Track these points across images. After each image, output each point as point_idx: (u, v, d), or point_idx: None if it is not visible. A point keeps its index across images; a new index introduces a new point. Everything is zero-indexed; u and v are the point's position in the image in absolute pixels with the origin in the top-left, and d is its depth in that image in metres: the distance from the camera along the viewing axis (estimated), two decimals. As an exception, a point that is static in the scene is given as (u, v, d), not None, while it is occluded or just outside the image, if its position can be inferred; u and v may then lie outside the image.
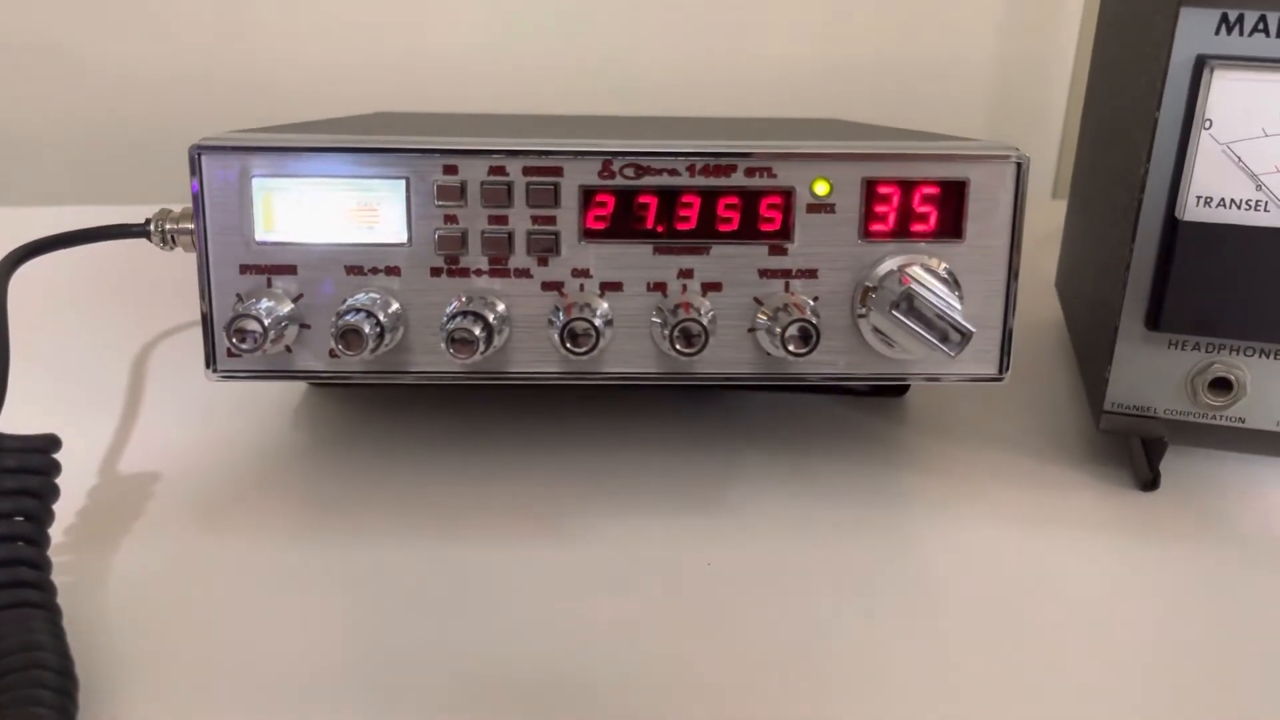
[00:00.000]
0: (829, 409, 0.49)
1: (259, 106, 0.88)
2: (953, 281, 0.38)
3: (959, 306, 0.36)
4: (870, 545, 0.39)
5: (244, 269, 0.38)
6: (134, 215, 0.45)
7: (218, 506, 0.41)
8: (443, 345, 0.36)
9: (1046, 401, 0.51)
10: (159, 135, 0.90)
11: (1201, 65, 0.39)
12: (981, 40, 0.92)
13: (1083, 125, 0.61)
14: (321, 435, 0.46)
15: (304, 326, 0.38)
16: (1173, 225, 0.40)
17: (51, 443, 0.35)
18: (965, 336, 0.35)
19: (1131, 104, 0.44)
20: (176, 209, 0.44)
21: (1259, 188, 0.39)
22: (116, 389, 0.50)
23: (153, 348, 0.54)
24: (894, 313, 0.36)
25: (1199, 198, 0.40)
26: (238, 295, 0.38)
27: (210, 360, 0.38)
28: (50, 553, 0.34)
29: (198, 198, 0.37)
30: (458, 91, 0.90)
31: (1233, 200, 0.40)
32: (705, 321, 0.36)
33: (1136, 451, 0.44)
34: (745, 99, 0.91)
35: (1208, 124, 0.39)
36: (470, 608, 0.35)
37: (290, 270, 0.38)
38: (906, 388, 0.50)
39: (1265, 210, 0.39)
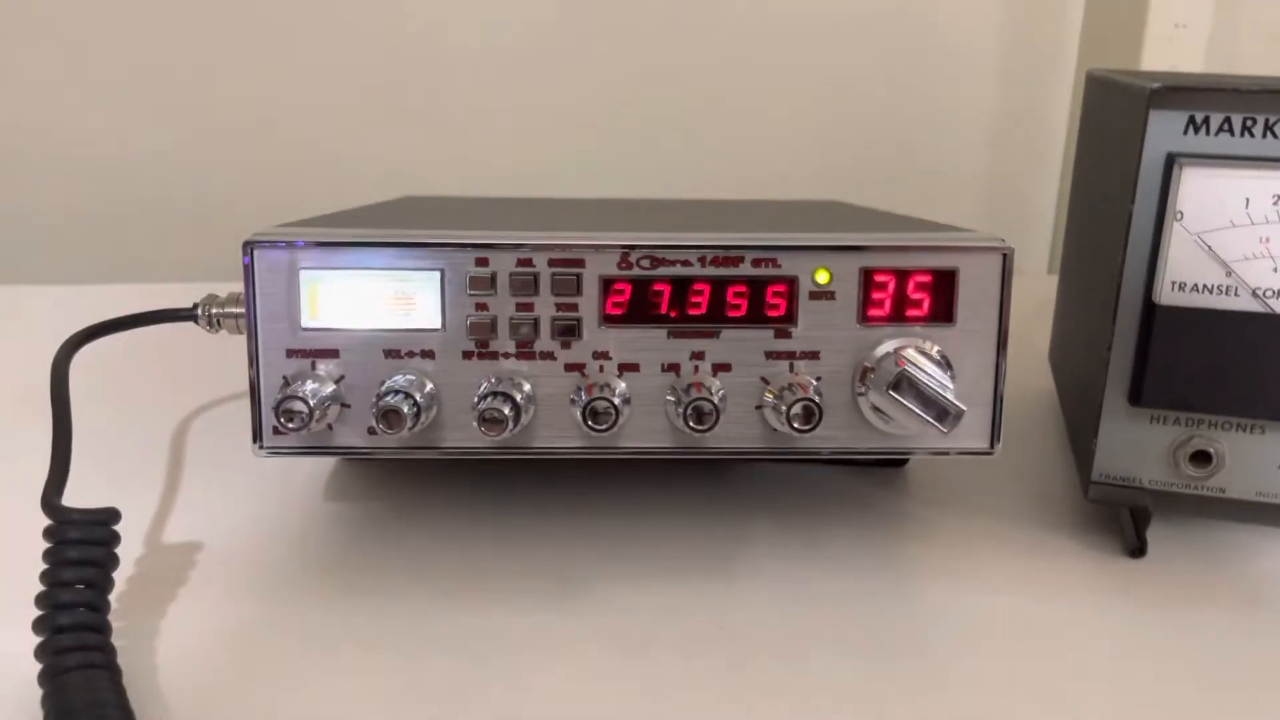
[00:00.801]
0: (834, 480, 0.52)
1: (275, 175, 0.92)
2: (945, 363, 0.40)
3: (951, 386, 0.39)
4: (873, 611, 0.42)
5: (290, 353, 0.41)
6: (174, 294, 0.48)
7: (257, 574, 0.44)
8: (474, 424, 0.39)
9: (1039, 471, 0.54)
10: (187, 212, 0.94)
11: (1172, 162, 0.42)
12: (976, 113, 0.96)
13: (1070, 206, 0.64)
14: (352, 506, 0.49)
15: (345, 406, 0.41)
16: (1150, 309, 0.43)
17: (112, 516, 0.38)
18: (957, 415, 0.38)
19: (1109, 195, 0.48)
20: (222, 294, 0.47)
21: (1229, 274, 0.42)
22: (161, 464, 0.53)
23: (192, 424, 0.57)
24: (891, 393, 0.39)
25: (1174, 283, 0.43)
26: (284, 378, 0.41)
27: (257, 436, 0.41)
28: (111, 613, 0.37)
29: (249, 286, 0.40)
30: (476, 170, 0.94)
31: (1205, 286, 0.43)
32: (716, 400, 0.39)
33: (1124, 520, 0.47)
34: (748, 168, 0.95)
35: (1179, 215, 0.42)
36: (495, 668, 0.38)
37: (333, 354, 0.41)
38: (907, 459, 0.53)
39: (1236, 295, 0.42)
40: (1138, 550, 0.46)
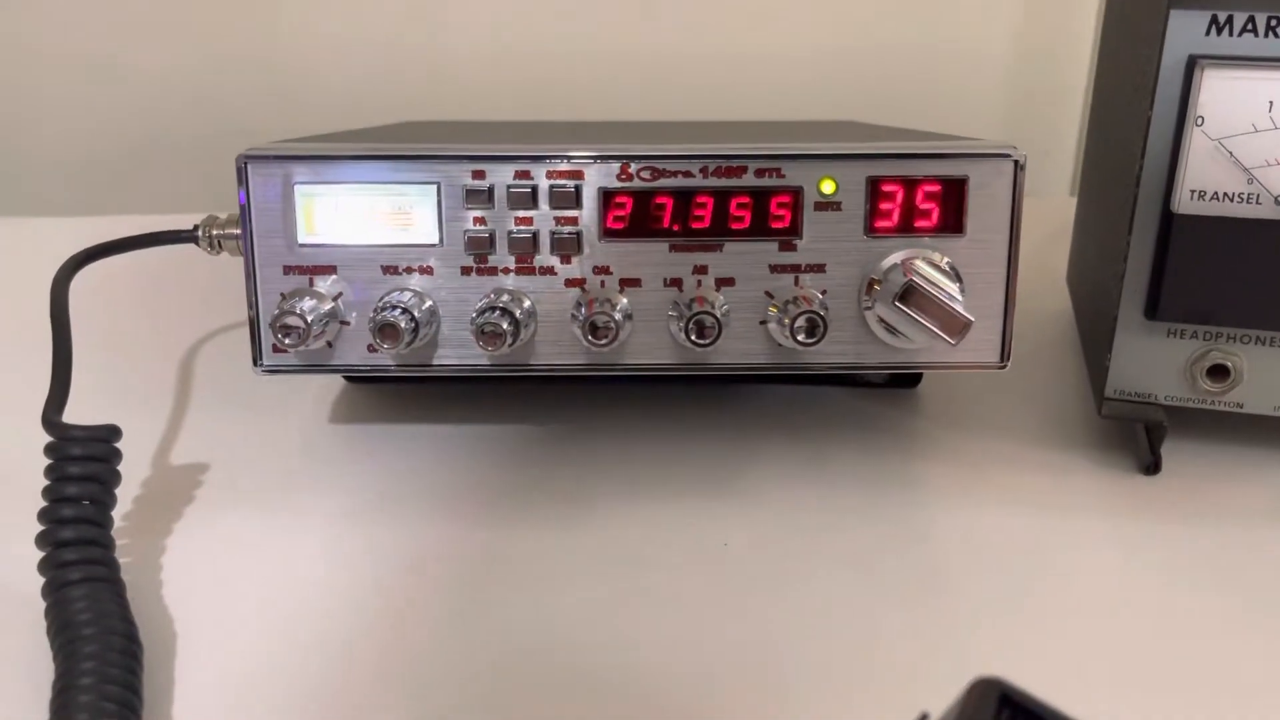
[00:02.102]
0: (844, 400, 0.51)
1: (284, 115, 0.91)
2: (954, 274, 0.40)
3: (960, 298, 0.38)
4: (880, 528, 0.41)
5: (287, 269, 0.40)
6: (179, 223, 0.48)
7: (262, 493, 0.44)
8: (473, 338, 0.38)
9: (1054, 391, 0.53)
10: (187, 145, 0.93)
11: (1193, 65, 0.40)
12: (999, 35, 0.93)
13: (1090, 118, 0.63)
14: (357, 427, 0.49)
15: (343, 323, 0.40)
16: (1168, 218, 0.42)
17: (113, 432, 0.38)
18: (966, 325, 0.37)
19: (1128, 101, 0.46)
20: (222, 215, 0.47)
21: (1250, 181, 0.41)
22: (166, 385, 0.53)
23: (199, 347, 0.57)
24: (898, 304, 0.38)
25: (1193, 191, 0.42)
26: (281, 295, 0.40)
27: (256, 355, 0.41)
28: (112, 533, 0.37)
29: (244, 204, 0.40)
30: (476, 97, 0.93)
31: (1225, 194, 0.41)
32: (719, 314, 0.39)
33: (1138, 437, 0.46)
34: (762, 93, 0.93)
35: (1199, 121, 0.41)
36: (501, 587, 0.38)
37: (330, 270, 0.40)
38: (919, 379, 0.52)
39: (1257, 203, 0.41)
40: (1152, 467, 0.45)
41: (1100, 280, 0.49)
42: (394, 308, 0.38)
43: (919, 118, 0.93)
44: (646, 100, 0.93)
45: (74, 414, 0.39)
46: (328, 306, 0.40)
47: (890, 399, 0.52)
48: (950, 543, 0.41)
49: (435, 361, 0.41)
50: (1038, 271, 0.72)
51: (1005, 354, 0.41)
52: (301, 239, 0.40)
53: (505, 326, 0.38)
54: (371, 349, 0.41)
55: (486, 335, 0.38)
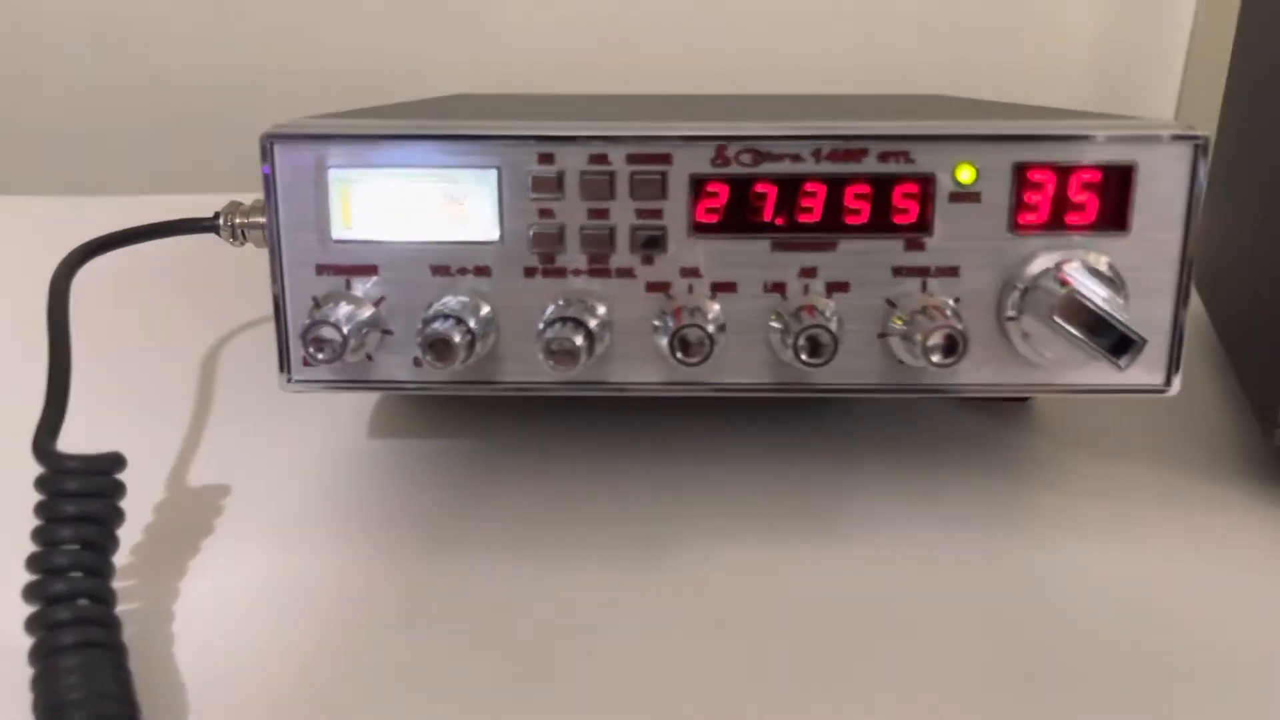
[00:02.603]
0: (948, 413, 0.45)
1: (325, 94, 0.86)
2: (1117, 280, 0.33)
3: (1125, 310, 0.31)
4: (1000, 579, 0.35)
5: (320, 269, 0.34)
6: (203, 207, 0.42)
7: (291, 523, 0.38)
8: (540, 355, 0.32)
9: (1194, 407, 0.46)
10: (222, 123, 0.88)
11: None
12: None
13: (1229, 93, 0.55)
14: (400, 444, 0.43)
15: (386, 332, 0.34)
16: (1369, 213, 0.35)
17: (115, 463, 0.32)
18: (1140, 345, 0.31)
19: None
20: (247, 201, 0.41)
21: None
22: (185, 394, 0.47)
23: (221, 350, 0.51)
24: (1056, 319, 0.31)
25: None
26: (314, 299, 0.34)
27: (284, 368, 0.35)
28: (115, 577, 0.31)
29: (269, 191, 0.33)
30: (534, 74, 0.86)
31: None
32: (834, 328, 0.32)
33: (1312, 468, 0.39)
34: (828, 61, 0.86)
35: None
36: (559, 643, 0.32)
37: (371, 271, 0.34)
38: (1037, 392, 0.45)
39: None
40: (1328, 505, 0.38)
41: (1264, 290, 0.41)
42: (446, 317, 0.32)
43: (998, 72, 0.86)
44: (702, 78, 0.87)
45: (76, 427, 0.33)
46: (367, 313, 0.34)
47: (1001, 411, 0.45)
48: (1082, 597, 0.34)
49: (493, 379, 0.35)
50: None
51: (1171, 377, 0.34)
52: (337, 234, 0.34)
53: (579, 343, 0.32)
54: (418, 363, 0.34)
55: (557, 355, 0.32)
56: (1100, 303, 0.31)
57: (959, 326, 0.32)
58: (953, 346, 0.32)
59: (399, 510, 0.39)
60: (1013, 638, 0.32)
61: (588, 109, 0.43)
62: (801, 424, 0.44)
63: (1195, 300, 0.56)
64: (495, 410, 0.45)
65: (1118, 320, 0.31)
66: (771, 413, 0.44)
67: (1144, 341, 0.31)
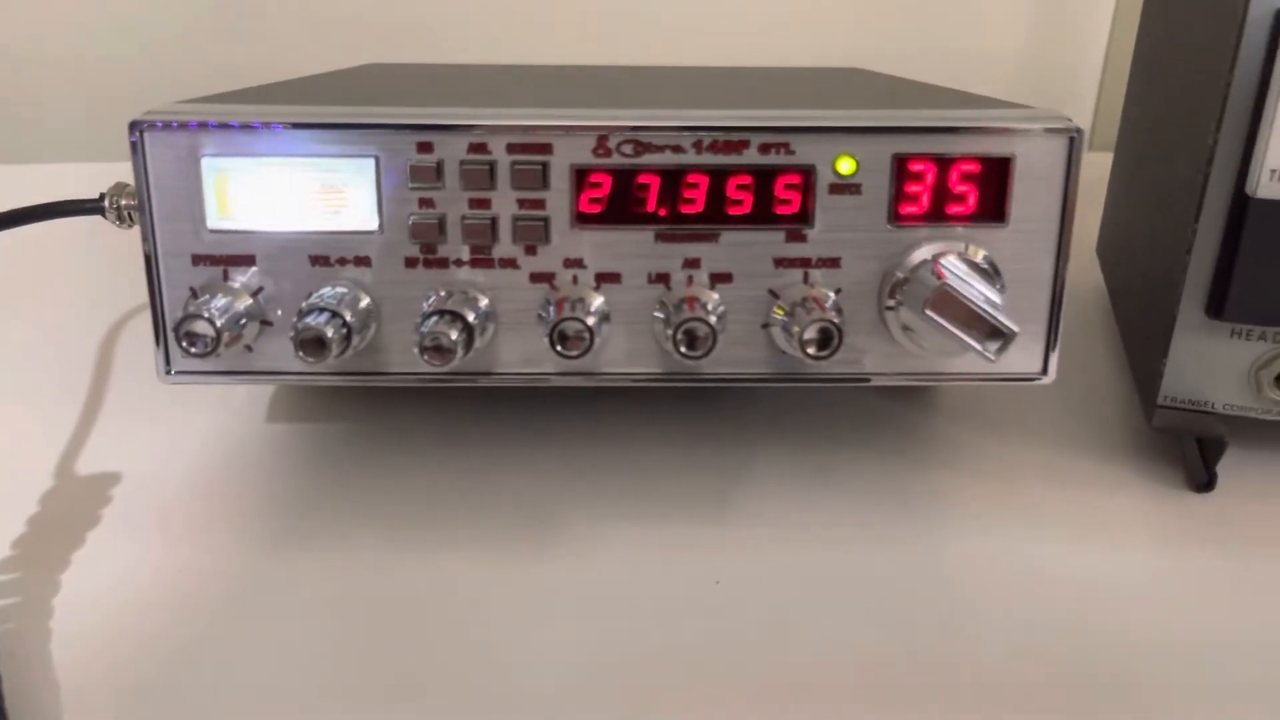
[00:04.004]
0: (851, 397, 0.45)
1: (252, 57, 0.83)
2: (993, 271, 0.33)
3: (1000, 302, 0.32)
4: (896, 557, 0.35)
5: (197, 260, 0.34)
6: (83, 177, 0.41)
7: (182, 511, 0.37)
8: (416, 352, 0.32)
9: (1089, 386, 0.47)
10: (148, 83, 0.85)
11: (1282, 21, 0.34)
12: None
13: (1132, 76, 0.56)
14: (297, 428, 0.42)
15: (265, 323, 0.34)
16: (1243, 203, 0.36)
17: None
18: (1009, 338, 0.31)
19: (1195, 63, 0.39)
20: (132, 183, 0.40)
21: (1344, 161, 0.34)
22: (75, 380, 0.46)
23: (116, 334, 0.50)
24: (928, 312, 0.31)
25: (1274, 171, 0.35)
26: (191, 290, 0.34)
27: (164, 362, 0.34)
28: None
29: (141, 180, 0.33)
30: (456, 33, 0.85)
31: (1313, 175, 0.35)
32: (713, 321, 0.32)
33: (1190, 450, 0.40)
34: (759, 30, 0.86)
35: (1287, 88, 0.34)
36: (449, 628, 0.32)
37: (248, 261, 0.34)
38: (935, 373, 0.46)
39: (1350, 186, 0.35)
40: (1206, 484, 0.39)
41: (1151, 269, 0.42)
42: (320, 311, 0.32)
43: (926, 58, 0.86)
44: (636, 49, 0.86)
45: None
46: (244, 304, 0.33)
47: (903, 395, 0.45)
48: (973, 575, 0.35)
49: (377, 370, 0.35)
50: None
51: (1048, 365, 0.35)
52: (212, 223, 0.33)
53: (454, 337, 0.31)
54: (300, 354, 0.34)
55: (432, 350, 0.31)
56: (971, 296, 0.31)
57: (835, 320, 0.32)
58: (827, 340, 0.32)
59: (289, 496, 0.38)
60: (900, 611, 0.33)
61: (478, 88, 0.42)
62: (701, 408, 0.44)
63: (1102, 286, 0.57)
64: (391, 395, 0.44)
65: (987, 313, 0.31)
66: (670, 396, 0.44)
67: (1014, 333, 0.31)
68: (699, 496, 0.38)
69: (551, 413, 0.43)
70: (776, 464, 0.40)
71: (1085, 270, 0.58)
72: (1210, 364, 0.38)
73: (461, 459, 0.40)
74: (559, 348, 0.32)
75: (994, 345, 0.31)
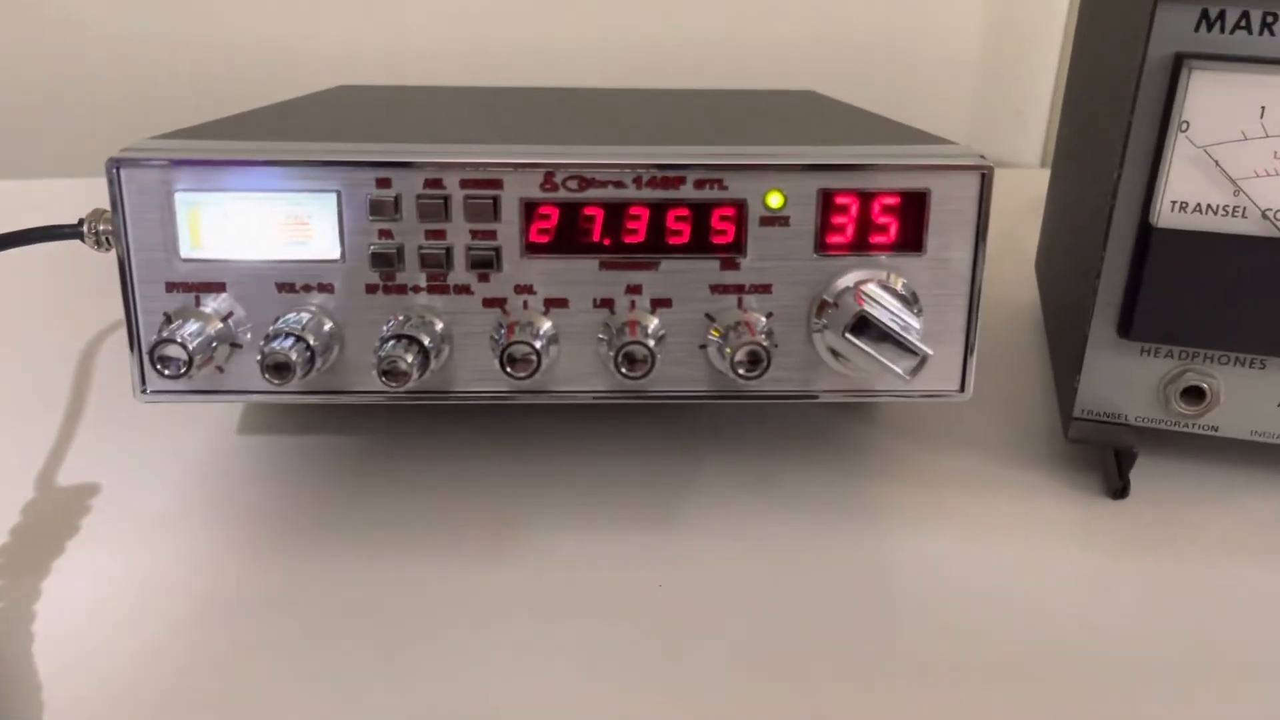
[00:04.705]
0: (792, 410, 0.48)
1: (230, 78, 0.85)
2: (911, 298, 0.36)
3: (917, 326, 0.35)
4: (832, 560, 0.38)
5: (170, 287, 0.36)
6: (64, 195, 0.43)
7: (160, 522, 0.40)
8: (375, 374, 0.34)
9: (1019, 398, 0.50)
10: (125, 102, 0.87)
11: (1179, 64, 0.37)
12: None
13: (1065, 102, 0.59)
14: (270, 442, 0.45)
15: (235, 346, 0.36)
16: (1146, 232, 0.38)
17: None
18: (922, 360, 0.34)
19: (1106, 101, 0.42)
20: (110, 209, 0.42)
21: (1236, 193, 0.37)
22: (56, 394, 0.48)
23: (95, 351, 0.53)
24: (848, 335, 0.34)
25: (1174, 203, 0.38)
26: (165, 315, 0.36)
27: (140, 382, 0.37)
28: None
29: (118, 213, 0.35)
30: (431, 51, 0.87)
31: (1209, 206, 0.38)
32: (651, 344, 0.35)
33: (1107, 459, 0.43)
34: (719, 52, 0.88)
35: (1184, 126, 0.37)
36: (411, 636, 0.34)
37: (219, 288, 0.36)
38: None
39: (1243, 216, 0.38)
40: (1120, 491, 0.42)
41: (1071, 290, 0.45)
42: (286, 336, 0.34)
43: (887, 73, 0.89)
44: (604, 71, 0.88)
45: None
46: (216, 328, 0.36)
47: (844, 409, 0.48)
48: (904, 577, 0.37)
49: (340, 388, 0.37)
50: (1005, 253, 0.69)
51: (965, 383, 0.38)
52: (185, 253, 0.36)
53: (410, 360, 0.34)
54: (267, 375, 0.36)
55: (388, 374, 0.34)
56: (887, 321, 0.34)
57: (764, 343, 0.35)
58: (756, 361, 0.34)
59: (262, 507, 0.41)
60: (832, 614, 0.35)
61: (439, 120, 0.45)
62: (650, 422, 0.47)
63: (1034, 284, 0.60)
64: (355, 411, 0.47)
65: (902, 336, 0.34)
66: (618, 412, 0.47)
67: (926, 355, 0.34)
68: (649, 506, 0.41)
69: (506, 427, 0.46)
70: (722, 475, 0.43)
71: (1025, 286, 0.61)
72: (1122, 379, 0.41)
73: (421, 471, 0.43)
74: (509, 369, 0.35)
75: (909, 366, 0.34)
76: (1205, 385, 0.40)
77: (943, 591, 0.37)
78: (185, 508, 0.41)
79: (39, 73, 0.87)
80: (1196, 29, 0.36)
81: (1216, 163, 0.37)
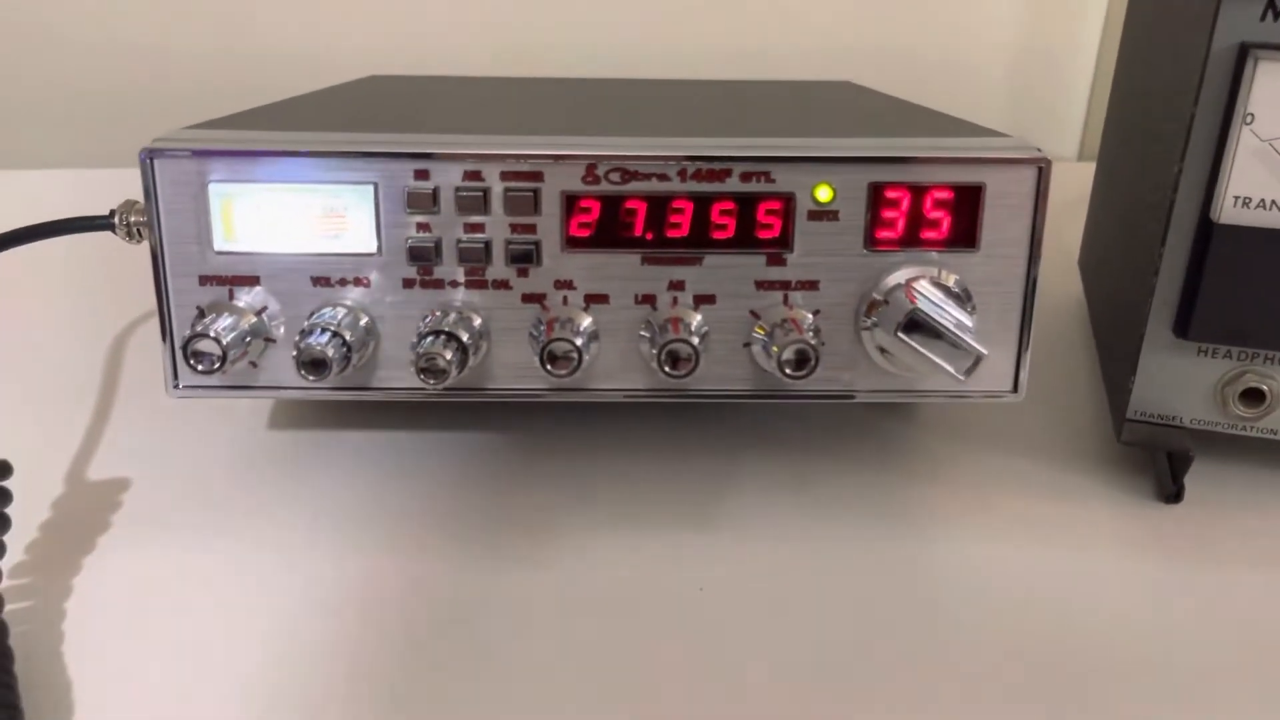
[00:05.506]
0: (831, 408, 0.47)
1: (260, 71, 0.85)
2: (964, 296, 0.35)
3: (970, 325, 0.33)
4: (875, 565, 0.37)
5: (204, 280, 0.35)
6: (93, 185, 0.43)
7: (189, 519, 0.39)
8: (412, 371, 0.34)
9: (1067, 397, 0.48)
10: (159, 97, 0.87)
11: (1244, 55, 0.35)
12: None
13: (1114, 91, 0.57)
14: (300, 438, 0.44)
15: (269, 340, 0.36)
16: (1207, 228, 0.37)
17: (2, 470, 0.33)
18: (976, 360, 0.33)
19: (1165, 93, 0.41)
20: (141, 200, 0.41)
21: (1303, 189, 0.36)
22: (86, 389, 0.48)
23: (124, 344, 0.52)
24: (900, 334, 0.33)
25: (1237, 199, 0.37)
26: (199, 309, 0.35)
27: (172, 377, 0.36)
28: (5, 581, 0.33)
29: (151, 205, 0.34)
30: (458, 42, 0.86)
31: (1274, 202, 0.36)
32: (695, 342, 0.34)
33: (1160, 463, 0.42)
34: (756, 40, 0.87)
35: (1249, 119, 0.36)
36: (444, 631, 0.33)
37: (253, 281, 0.35)
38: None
39: (1309, 213, 0.36)
40: (1174, 496, 0.41)
41: (1123, 288, 0.44)
42: (322, 331, 0.33)
43: (921, 66, 0.87)
44: (635, 66, 0.87)
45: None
46: (249, 323, 0.35)
47: (885, 409, 0.47)
48: (947, 582, 0.36)
49: (375, 385, 0.36)
50: (1047, 248, 0.67)
51: (1018, 383, 0.36)
52: (219, 245, 0.35)
53: (449, 358, 0.33)
54: (302, 370, 0.36)
55: (426, 372, 0.33)
56: (941, 319, 0.33)
57: (812, 342, 0.33)
58: (804, 360, 0.33)
59: (291, 503, 0.40)
60: (874, 620, 0.34)
61: (475, 111, 0.44)
62: (689, 420, 0.46)
63: (1079, 284, 0.58)
64: (385, 406, 0.46)
65: (956, 336, 0.33)
66: (657, 409, 0.46)
67: (982, 356, 0.33)
68: (685, 506, 0.40)
69: (544, 424, 0.45)
70: (762, 473, 0.42)
71: (1068, 282, 0.60)
72: (1178, 380, 0.40)
73: (454, 468, 0.42)
74: (549, 367, 0.34)
75: (963, 366, 0.33)
76: (1266, 387, 0.39)
77: (987, 599, 0.36)
78: (213, 504, 0.40)
79: (68, 70, 0.86)
80: (1263, 18, 0.35)
81: (1283, 157, 0.36)
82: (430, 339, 0.33)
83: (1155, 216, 0.39)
